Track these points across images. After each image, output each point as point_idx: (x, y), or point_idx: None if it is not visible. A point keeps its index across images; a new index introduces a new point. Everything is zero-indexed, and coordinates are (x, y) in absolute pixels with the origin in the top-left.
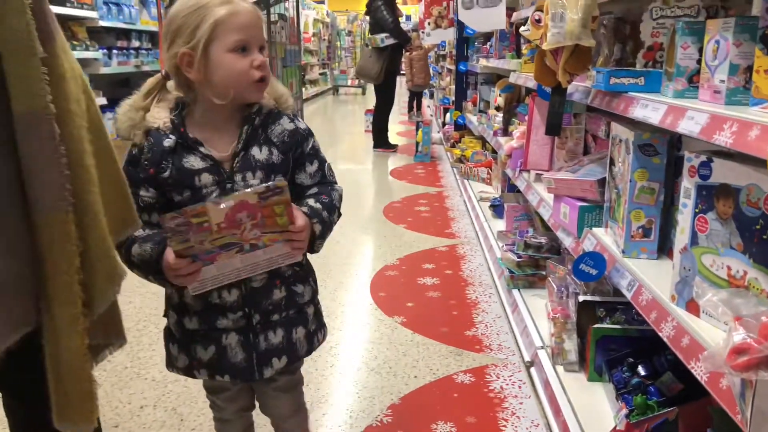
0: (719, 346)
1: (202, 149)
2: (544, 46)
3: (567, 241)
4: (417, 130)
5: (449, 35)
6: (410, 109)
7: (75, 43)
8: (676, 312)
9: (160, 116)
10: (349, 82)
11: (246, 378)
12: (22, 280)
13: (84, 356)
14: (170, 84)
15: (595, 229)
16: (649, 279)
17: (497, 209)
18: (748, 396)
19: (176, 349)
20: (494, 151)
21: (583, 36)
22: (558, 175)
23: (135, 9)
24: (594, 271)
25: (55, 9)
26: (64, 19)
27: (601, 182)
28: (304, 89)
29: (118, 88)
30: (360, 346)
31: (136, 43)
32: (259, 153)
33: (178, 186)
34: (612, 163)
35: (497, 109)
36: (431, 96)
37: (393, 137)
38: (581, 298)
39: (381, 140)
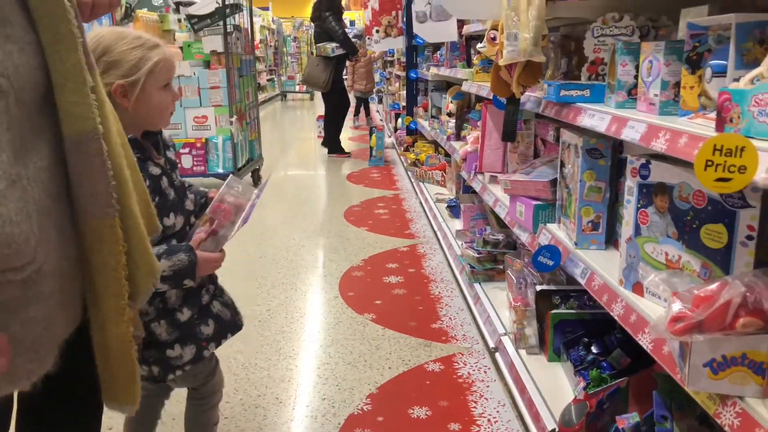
0: (661, 317)
1: (154, 158)
2: (500, 62)
3: (523, 237)
4: (370, 135)
5: (399, 44)
6: (356, 114)
7: None
8: (624, 294)
9: None
10: (297, 88)
11: (238, 329)
12: (74, 281)
13: (129, 343)
14: None
15: (549, 225)
16: (600, 267)
17: (454, 209)
18: (685, 356)
19: (178, 348)
20: (447, 155)
21: (534, 53)
22: (513, 177)
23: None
24: (551, 262)
25: None
26: None
27: (553, 182)
28: None
29: None
30: (335, 343)
31: None
32: (171, 155)
33: (152, 193)
34: (563, 165)
35: (449, 114)
36: (380, 101)
37: (345, 143)
38: (539, 287)
39: (334, 146)
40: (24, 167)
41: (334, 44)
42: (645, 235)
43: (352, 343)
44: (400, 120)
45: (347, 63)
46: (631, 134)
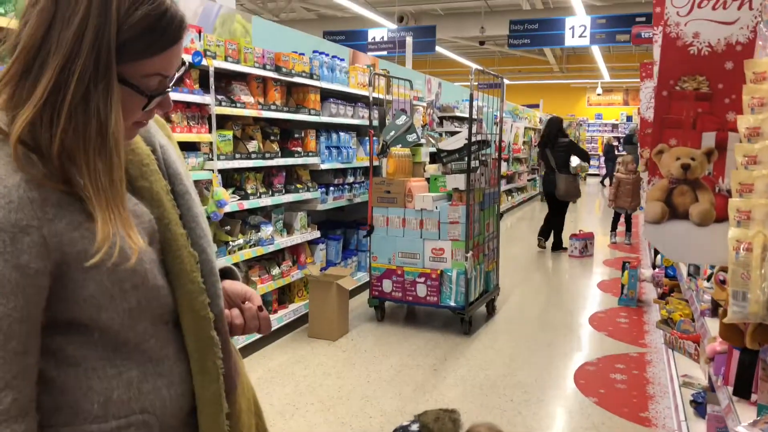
0: None
1: None
2: (725, 321)
3: None
4: (623, 270)
5: None
6: (612, 229)
7: (299, 186)
8: None
9: None
10: None
11: None
12: None
13: None
14: None
15: None
16: None
17: (699, 408)
18: None
19: None
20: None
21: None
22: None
23: (353, 149)
24: None
25: (285, 160)
26: (291, 167)
27: None
28: (510, 198)
29: (333, 218)
30: None
31: (351, 179)
32: None
33: None
34: None
35: (708, 280)
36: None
37: (600, 266)
38: None
39: (558, 243)
40: None
41: (578, 162)
42: None
43: None
44: (659, 257)
45: (616, 177)
46: None
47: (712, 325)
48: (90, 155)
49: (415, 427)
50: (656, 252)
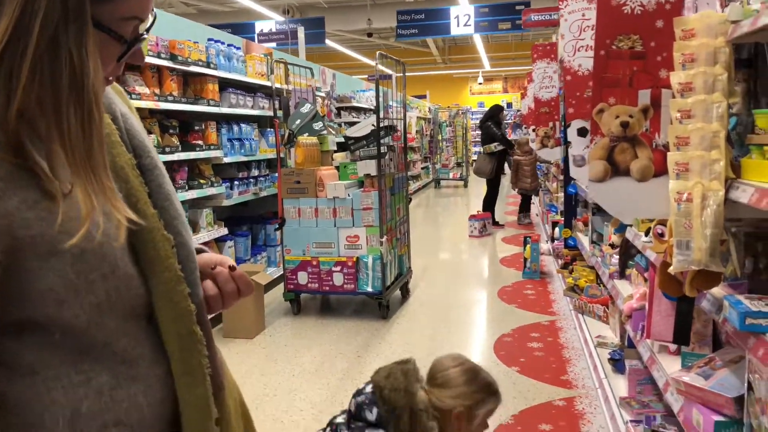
0: None
1: None
2: (671, 270)
3: None
4: (524, 245)
5: (556, 155)
6: (521, 210)
7: (202, 181)
8: None
9: None
10: (451, 175)
11: None
12: None
13: None
14: None
15: None
16: None
17: (617, 364)
18: None
19: None
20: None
21: (711, 264)
22: (687, 379)
23: (255, 141)
24: None
25: (186, 154)
26: (193, 161)
27: (739, 400)
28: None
29: (237, 214)
30: None
31: (255, 172)
32: None
33: None
34: (750, 387)
35: (612, 246)
36: (536, 193)
37: (500, 244)
38: None
39: (493, 219)
40: None
41: (495, 143)
42: None
43: None
44: (557, 230)
45: (512, 160)
46: None
47: (622, 287)
48: (63, 114)
49: (368, 387)
50: (554, 226)
